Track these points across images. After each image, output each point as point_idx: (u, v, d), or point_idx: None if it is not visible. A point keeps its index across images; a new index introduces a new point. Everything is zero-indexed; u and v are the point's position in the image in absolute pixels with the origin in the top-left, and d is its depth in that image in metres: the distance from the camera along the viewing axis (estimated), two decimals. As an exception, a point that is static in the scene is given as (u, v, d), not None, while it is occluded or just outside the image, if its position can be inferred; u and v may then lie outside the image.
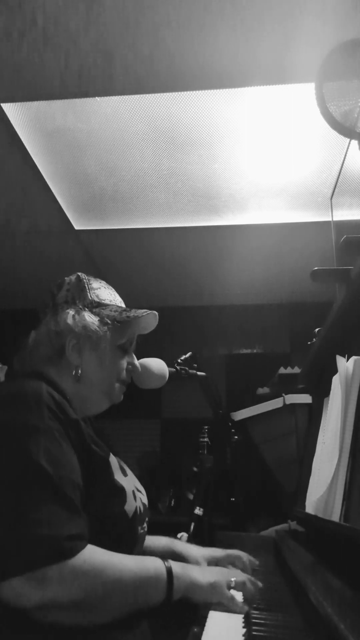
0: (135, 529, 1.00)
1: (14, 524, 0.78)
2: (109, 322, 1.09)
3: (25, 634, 0.80)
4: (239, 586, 0.97)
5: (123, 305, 1.18)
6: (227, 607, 0.93)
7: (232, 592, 0.96)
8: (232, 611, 0.93)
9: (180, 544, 1.29)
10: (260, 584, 1.00)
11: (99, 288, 1.16)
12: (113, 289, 1.21)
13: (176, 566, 0.92)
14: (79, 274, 1.16)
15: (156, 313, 1.17)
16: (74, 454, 0.90)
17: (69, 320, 1.06)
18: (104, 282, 1.20)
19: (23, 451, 0.83)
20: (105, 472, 0.97)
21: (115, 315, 1.11)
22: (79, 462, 0.90)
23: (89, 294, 1.12)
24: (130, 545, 0.99)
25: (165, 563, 0.92)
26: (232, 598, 0.94)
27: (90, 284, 1.14)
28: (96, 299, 1.13)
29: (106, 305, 1.13)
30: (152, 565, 0.91)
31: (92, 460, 0.95)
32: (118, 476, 0.99)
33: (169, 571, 0.90)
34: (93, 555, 0.82)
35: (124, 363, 1.14)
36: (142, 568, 0.89)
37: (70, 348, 1.06)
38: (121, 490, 0.97)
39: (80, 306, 1.10)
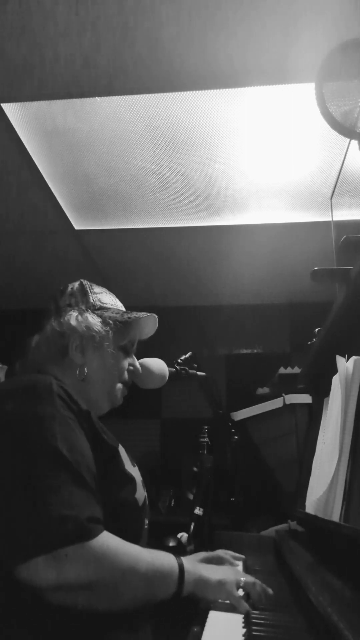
0: (143, 519, 1.03)
1: (36, 506, 0.79)
2: (110, 322, 1.12)
3: (38, 618, 0.81)
4: (248, 586, 0.97)
5: (124, 308, 1.22)
6: (234, 606, 0.93)
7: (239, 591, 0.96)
8: (238, 611, 0.92)
9: None
10: (270, 591, 1.00)
11: (101, 293, 1.20)
12: (114, 295, 1.25)
13: (187, 562, 0.94)
14: (82, 280, 1.20)
15: (156, 316, 1.22)
16: (87, 442, 0.92)
17: (72, 321, 1.09)
18: (105, 288, 1.24)
19: (40, 438, 0.85)
20: (116, 460, 0.99)
21: (117, 316, 1.14)
22: (91, 451, 0.92)
23: (91, 297, 1.16)
24: (137, 535, 1.00)
25: (177, 559, 0.93)
26: (240, 598, 0.94)
27: (92, 289, 1.19)
28: (98, 302, 1.16)
29: (108, 308, 1.17)
30: (165, 557, 0.92)
31: (104, 449, 0.97)
32: (128, 466, 1.02)
33: (181, 565, 0.92)
34: (110, 540, 0.84)
35: (126, 364, 1.18)
36: (155, 559, 0.90)
37: (73, 348, 1.09)
38: (131, 479, 1.00)
39: (83, 308, 1.13)
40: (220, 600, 0.96)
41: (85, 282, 1.20)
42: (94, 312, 1.13)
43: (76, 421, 0.92)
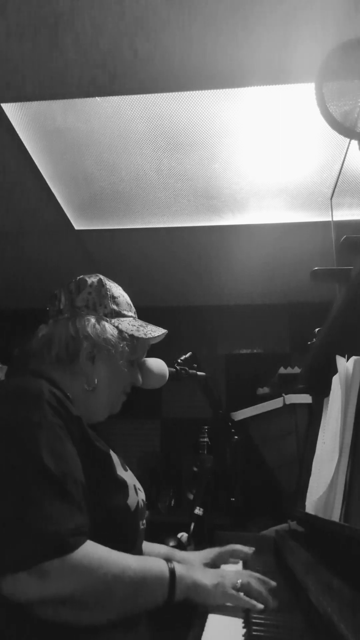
0: (137, 523, 1.01)
1: (17, 519, 0.78)
2: (127, 337, 1.10)
3: (26, 631, 0.80)
4: (245, 587, 0.95)
5: (135, 314, 1.19)
6: (236, 605, 0.92)
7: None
8: (241, 606, 0.91)
9: (179, 552, 1.30)
10: (273, 583, 0.98)
11: (119, 296, 1.16)
12: (128, 297, 1.20)
13: (179, 567, 0.92)
14: (101, 277, 1.15)
15: (167, 331, 1.19)
16: (75, 450, 0.90)
17: (89, 329, 1.05)
18: (121, 289, 1.19)
19: (25, 447, 0.83)
20: (107, 466, 0.98)
21: (133, 330, 1.11)
22: (81, 458, 0.91)
23: (110, 302, 1.12)
24: (133, 539, 0.99)
25: (169, 564, 0.91)
26: (238, 595, 0.92)
27: (111, 291, 1.14)
28: (116, 308, 1.13)
29: (124, 316, 1.13)
30: (155, 564, 0.90)
31: (95, 455, 0.96)
32: (120, 471, 1.00)
33: (172, 571, 0.90)
34: (94, 550, 0.82)
35: (131, 376, 1.16)
36: (143, 566, 0.88)
37: (85, 355, 1.06)
38: (123, 484, 0.98)
39: (101, 314, 1.10)
40: (219, 604, 0.95)
41: (105, 282, 1.14)
42: (110, 322, 1.09)
43: (65, 428, 0.90)
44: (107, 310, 1.11)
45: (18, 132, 1.88)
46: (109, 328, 1.08)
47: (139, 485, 1.07)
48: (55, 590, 0.77)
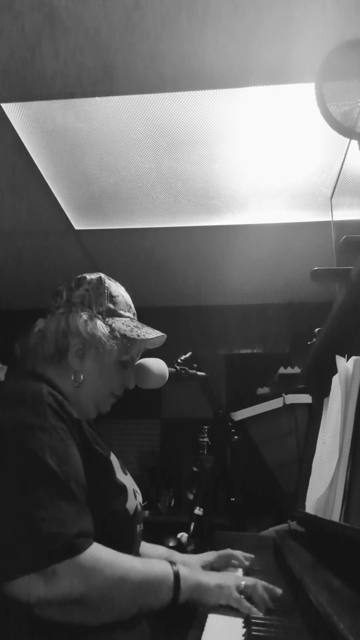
0: (135, 527, 1.02)
1: (24, 522, 0.78)
2: (118, 336, 1.08)
3: (31, 632, 0.80)
4: (249, 589, 0.95)
5: (135, 315, 1.17)
6: (236, 608, 0.92)
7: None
8: (241, 612, 0.91)
9: (178, 554, 1.30)
10: (279, 591, 0.98)
11: (118, 296, 1.14)
12: (129, 297, 1.19)
13: (183, 569, 0.93)
14: (102, 275, 1.15)
15: (165, 335, 1.17)
16: (77, 452, 0.90)
17: (80, 324, 1.05)
18: (123, 289, 1.18)
19: (29, 450, 0.83)
20: (107, 470, 0.98)
21: (126, 330, 1.09)
22: (81, 461, 0.90)
23: (106, 300, 1.11)
24: (130, 543, 0.99)
25: (173, 566, 0.92)
26: (241, 599, 0.93)
27: (109, 290, 1.13)
28: (112, 307, 1.11)
29: (120, 315, 1.12)
30: (159, 566, 0.91)
31: (95, 459, 0.95)
32: (119, 475, 1.00)
33: (176, 573, 0.90)
34: (100, 552, 0.83)
35: (122, 378, 1.14)
36: (148, 568, 0.89)
37: (73, 352, 1.05)
38: (123, 489, 0.98)
39: (95, 312, 1.09)
40: (222, 604, 0.94)
41: (105, 280, 1.13)
42: (104, 320, 1.08)
43: (67, 431, 0.89)
44: (103, 308, 1.10)
45: (18, 132, 1.89)
46: (101, 326, 1.07)
47: (137, 489, 1.07)
48: (62, 592, 0.77)
